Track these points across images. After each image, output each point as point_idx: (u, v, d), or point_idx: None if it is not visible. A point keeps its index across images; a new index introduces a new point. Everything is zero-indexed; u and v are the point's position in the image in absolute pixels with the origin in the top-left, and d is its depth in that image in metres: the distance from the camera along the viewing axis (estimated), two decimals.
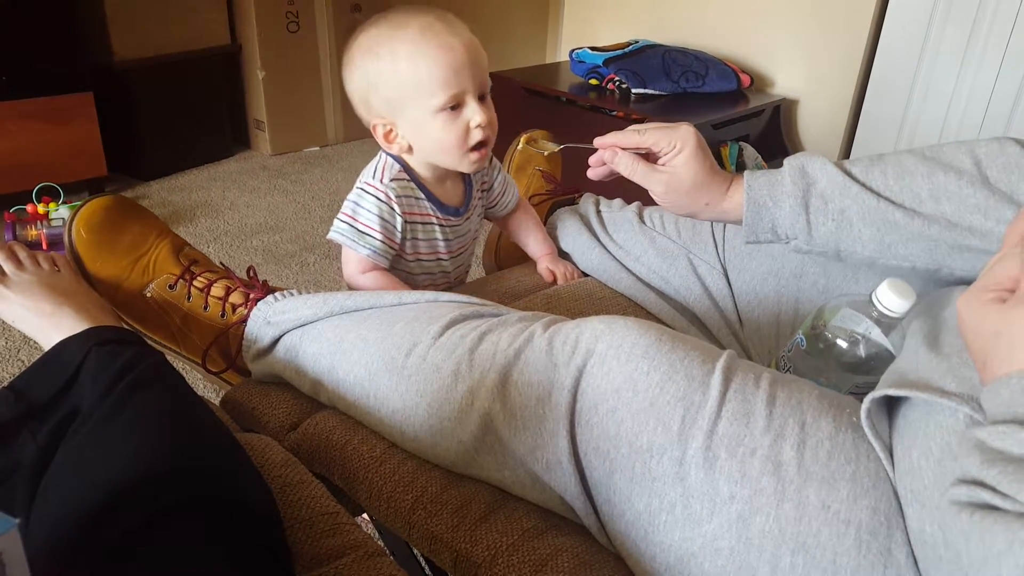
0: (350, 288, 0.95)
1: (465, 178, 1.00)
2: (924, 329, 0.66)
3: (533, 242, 1.11)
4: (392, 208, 0.91)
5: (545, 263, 1.09)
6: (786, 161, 0.81)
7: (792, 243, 0.81)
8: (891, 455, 0.56)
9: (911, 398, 0.57)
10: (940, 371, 0.56)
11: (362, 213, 0.91)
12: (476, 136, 0.88)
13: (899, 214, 0.74)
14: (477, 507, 0.67)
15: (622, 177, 0.87)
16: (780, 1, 2.24)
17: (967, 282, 0.78)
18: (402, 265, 0.98)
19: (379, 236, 0.91)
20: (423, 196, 0.94)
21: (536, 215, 1.13)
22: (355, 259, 0.93)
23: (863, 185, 0.76)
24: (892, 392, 0.57)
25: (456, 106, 0.86)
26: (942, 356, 0.59)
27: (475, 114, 0.86)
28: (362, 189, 0.92)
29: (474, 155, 0.90)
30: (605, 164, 0.88)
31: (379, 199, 0.91)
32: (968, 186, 0.71)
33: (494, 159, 1.05)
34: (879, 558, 0.52)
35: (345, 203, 0.93)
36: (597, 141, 0.88)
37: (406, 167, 0.94)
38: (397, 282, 0.94)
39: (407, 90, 0.86)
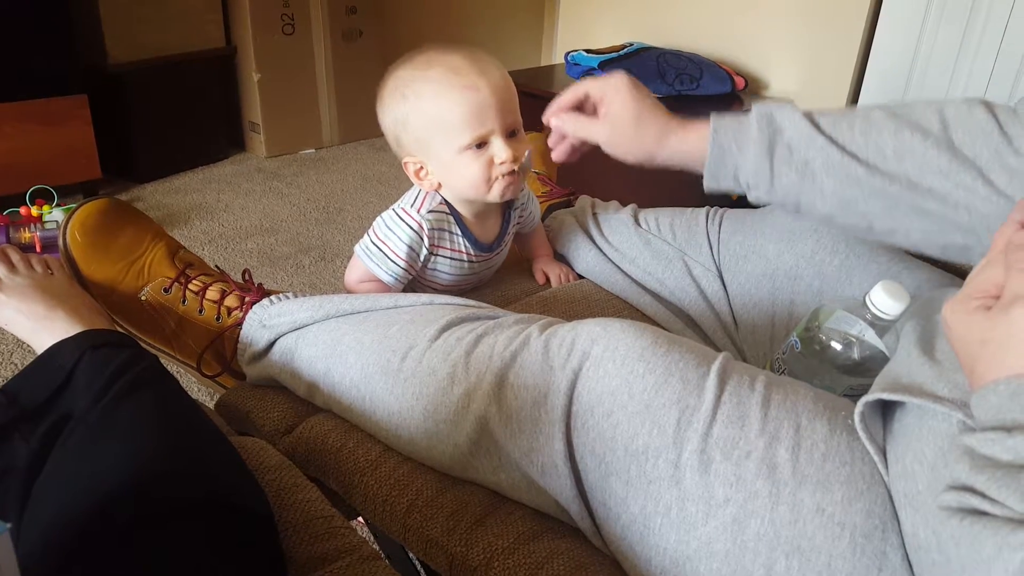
0: (348, 292, 0.95)
1: (504, 215, 0.99)
2: (917, 332, 0.66)
3: (532, 245, 1.11)
4: (422, 239, 0.91)
5: (540, 265, 1.09)
6: (754, 107, 0.79)
7: (752, 193, 0.79)
8: (885, 458, 0.56)
9: (903, 403, 0.58)
10: (933, 376, 0.57)
11: (392, 239, 0.91)
12: (500, 170, 0.87)
13: (861, 170, 0.72)
14: (473, 510, 0.67)
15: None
16: (774, 4, 2.25)
17: (923, 254, 0.78)
18: (416, 288, 0.99)
19: (403, 264, 0.91)
20: (459, 232, 0.94)
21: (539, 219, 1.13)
22: (362, 272, 0.93)
23: (829, 137, 0.74)
24: (885, 396, 0.57)
25: (481, 144, 0.86)
26: (935, 361, 0.59)
27: (500, 151, 0.85)
28: (399, 215, 0.91)
29: (500, 185, 0.88)
30: (564, 139, 0.88)
31: (412, 228, 0.90)
32: (932, 147, 0.70)
33: (531, 193, 1.05)
34: (874, 561, 0.52)
35: (377, 222, 0.93)
36: (544, 118, 0.88)
37: (447, 201, 0.93)
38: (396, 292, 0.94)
39: (433, 130, 0.86)
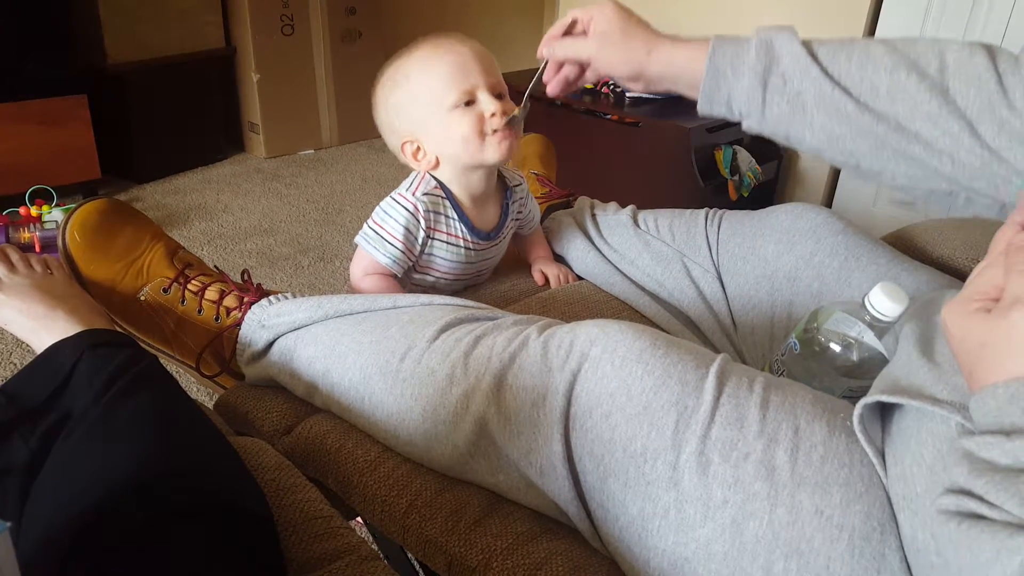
0: (352, 289, 0.95)
1: (503, 205, 1.01)
2: (917, 334, 0.66)
3: (532, 246, 1.11)
4: (418, 221, 0.92)
5: (539, 266, 1.09)
6: (757, 30, 0.78)
7: (745, 122, 0.78)
8: (884, 460, 0.56)
9: (902, 404, 0.58)
10: (932, 378, 0.57)
11: (389, 222, 0.92)
12: (495, 123, 0.89)
13: (851, 106, 0.72)
14: (471, 511, 0.67)
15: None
16: (773, 6, 2.25)
17: (910, 194, 0.77)
18: (413, 279, 1.00)
19: (400, 246, 0.92)
20: (455, 216, 0.95)
21: (539, 226, 1.14)
22: (366, 262, 0.93)
23: (823, 69, 0.73)
24: (884, 399, 0.57)
25: (470, 102, 0.89)
26: (934, 363, 0.59)
27: (488, 103, 0.88)
28: (393, 199, 0.94)
29: (494, 140, 0.89)
30: (559, 72, 0.89)
31: (407, 210, 0.92)
32: (926, 91, 0.69)
33: (529, 192, 1.07)
34: (872, 563, 0.52)
35: (376, 210, 0.95)
36: (537, 53, 0.89)
37: (442, 184, 0.95)
38: (399, 288, 0.95)
39: (423, 100, 0.89)
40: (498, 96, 0.90)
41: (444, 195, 0.95)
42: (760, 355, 0.92)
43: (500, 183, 1.01)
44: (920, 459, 0.52)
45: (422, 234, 0.93)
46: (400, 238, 0.92)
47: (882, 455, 0.57)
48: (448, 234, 0.96)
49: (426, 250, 0.96)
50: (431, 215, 0.93)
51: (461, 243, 0.97)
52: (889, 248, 0.91)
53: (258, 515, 0.57)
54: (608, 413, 0.60)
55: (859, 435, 0.57)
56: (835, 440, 0.57)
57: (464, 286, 1.05)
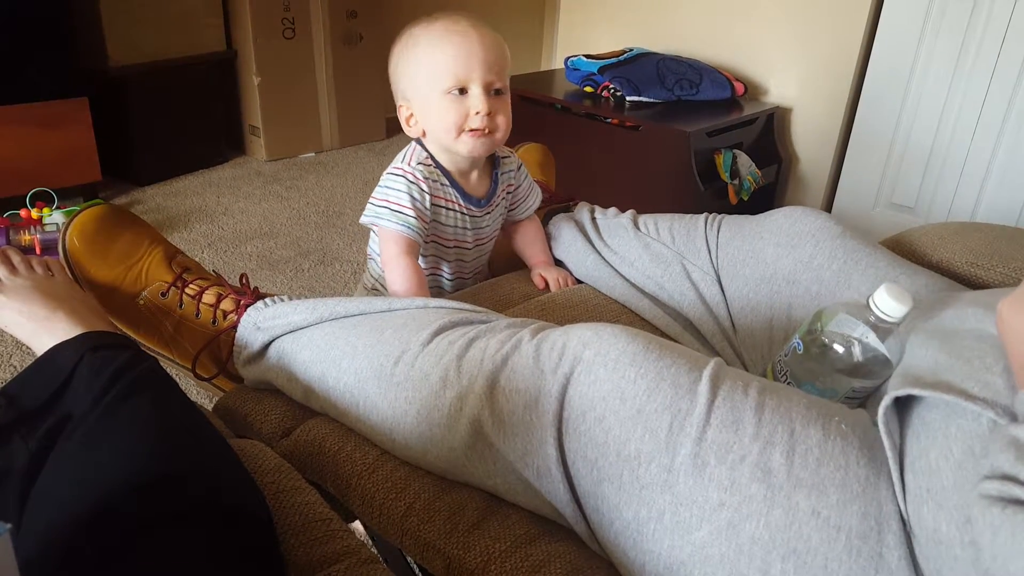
0: (384, 270, 0.96)
1: (492, 174, 1.05)
2: (935, 332, 0.66)
3: (533, 251, 1.12)
4: (421, 188, 0.95)
5: (539, 270, 1.09)
6: None
7: None
8: (900, 455, 0.56)
9: (926, 399, 0.58)
10: (962, 374, 0.57)
11: (393, 194, 0.95)
12: (474, 122, 0.93)
13: None
14: (470, 513, 0.67)
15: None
16: (773, 10, 2.26)
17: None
18: (423, 253, 1.02)
19: (412, 213, 0.94)
20: (448, 183, 0.99)
21: (541, 226, 1.15)
22: (393, 238, 0.94)
23: None
24: (918, 392, 0.57)
25: (463, 91, 0.92)
26: (964, 360, 0.59)
27: (477, 102, 0.92)
28: (391, 173, 0.97)
29: (467, 137, 0.94)
30: None
31: (408, 179, 0.95)
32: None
33: (523, 165, 1.11)
34: (870, 562, 0.52)
35: (376, 189, 0.97)
36: None
37: (432, 156, 0.99)
38: (423, 281, 0.94)
39: (423, 73, 0.94)
40: (495, 91, 0.93)
41: (434, 164, 0.98)
42: (759, 357, 0.92)
43: (488, 156, 1.04)
44: (948, 453, 0.53)
45: (428, 198, 0.96)
46: (409, 205, 0.94)
47: (898, 450, 0.57)
48: (445, 199, 0.99)
49: (431, 217, 0.98)
50: (429, 182, 0.96)
51: (456, 207, 1.00)
52: (888, 252, 0.91)
53: (258, 518, 0.57)
54: (601, 416, 0.60)
55: (881, 427, 0.57)
56: (830, 442, 0.57)
57: (470, 259, 1.07)
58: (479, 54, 0.91)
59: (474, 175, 1.02)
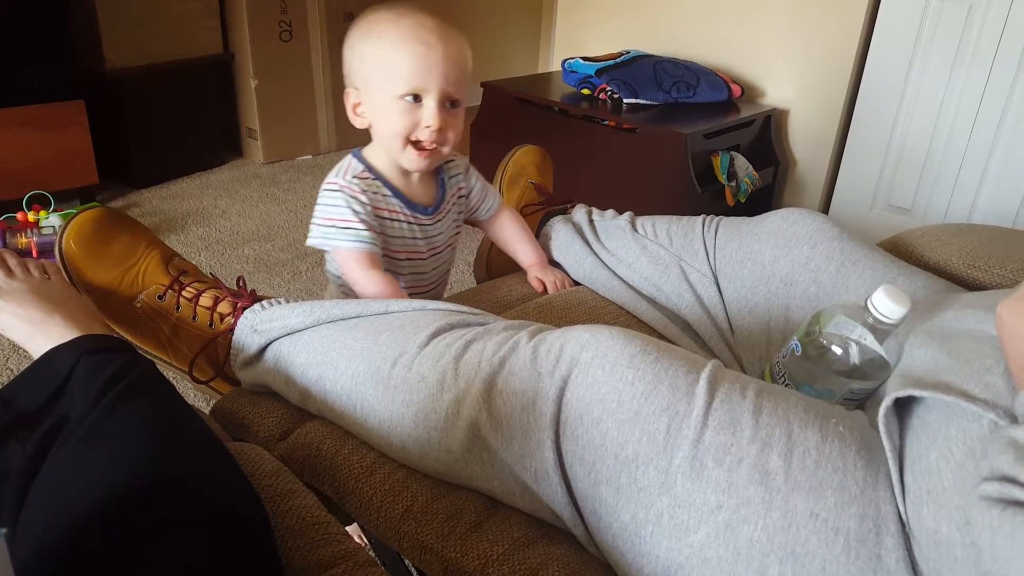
0: (354, 289, 0.94)
1: (438, 179, 1.00)
2: (934, 333, 0.66)
3: (522, 251, 1.11)
4: (359, 200, 0.91)
5: (535, 272, 1.09)
6: None
7: None
8: (899, 456, 0.56)
9: (926, 400, 0.58)
10: (963, 376, 0.57)
11: (334, 211, 0.91)
12: (423, 135, 0.89)
13: None
14: (468, 516, 0.67)
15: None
16: (770, 12, 2.26)
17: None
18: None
19: (361, 226, 0.91)
20: (389, 193, 0.95)
21: (524, 223, 1.13)
22: (351, 256, 0.91)
23: None
24: (918, 393, 0.57)
25: (418, 99, 0.88)
26: (964, 361, 0.59)
27: (429, 115, 0.88)
28: (328, 189, 0.93)
29: (413, 152, 0.91)
30: None
31: (345, 194, 0.91)
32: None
33: (471, 167, 1.06)
34: (868, 564, 0.52)
35: (316, 207, 0.93)
36: None
37: (370, 167, 0.95)
38: (397, 286, 0.93)
39: (380, 72, 0.89)
40: (450, 103, 0.90)
41: (373, 176, 0.94)
42: (757, 359, 0.92)
43: None
44: (949, 454, 0.53)
45: (370, 209, 0.92)
46: (355, 219, 0.90)
47: (897, 451, 0.57)
48: (389, 211, 0.95)
49: (375, 230, 0.94)
50: (368, 194, 0.92)
51: (402, 218, 0.96)
52: (885, 253, 0.92)
53: (255, 521, 0.57)
54: (599, 419, 0.60)
55: (881, 427, 0.57)
56: (828, 445, 0.57)
57: (428, 270, 1.02)
58: (441, 65, 0.87)
59: (415, 178, 0.97)
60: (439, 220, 1.00)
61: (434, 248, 1.01)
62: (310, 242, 0.94)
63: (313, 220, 0.93)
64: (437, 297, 1.07)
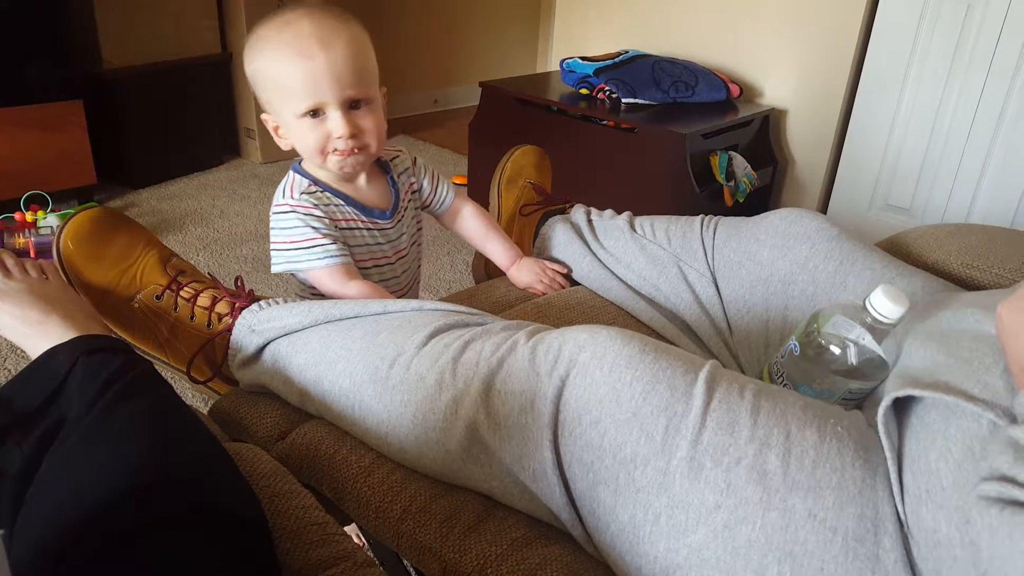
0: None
1: (388, 179, 0.99)
2: (933, 333, 0.66)
3: (494, 251, 1.09)
4: (315, 215, 0.90)
5: (522, 276, 1.08)
6: None
7: None
8: (898, 456, 0.56)
9: (925, 400, 0.58)
10: (962, 375, 0.57)
11: (293, 232, 0.90)
12: (337, 145, 0.87)
13: None
14: (466, 517, 0.67)
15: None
16: (769, 12, 2.26)
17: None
18: None
19: (326, 240, 0.89)
20: (341, 201, 0.93)
21: (490, 217, 1.11)
22: (326, 275, 0.90)
23: None
24: (918, 393, 0.57)
25: (318, 113, 0.86)
26: (963, 360, 0.59)
27: (336, 125, 0.86)
28: (279, 212, 0.91)
29: (338, 158, 0.88)
30: None
31: (298, 213, 0.90)
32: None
33: (418, 160, 1.04)
34: (867, 564, 0.52)
35: (272, 232, 0.92)
36: None
37: (315, 180, 0.93)
38: (380, 290, 0.93)
39: (275, 93, 0.87)
40: (354, 105, 0.87)
41: (320, 188, 0.93)
42: (755, 359, 0.92)
43: (376, 160, 0.98)
44: (947, 454, 0.53)
45: (328, 220, 0.90)
46: (316, 235, 0.89)
47: (896, 451, 0.57)
48: (345, 220, 0.93)
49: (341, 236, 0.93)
50: (321, 206, 0.91)
51: (359, 225, 0.94)
52: (883, 253, 0.92)
53: (254, 521, 0.57)
54: (597, 419, 0.60)
55: (880, 427, 0.57)
56: (826, 445, 0.57)
57: (399, 272, 1.01)
58: (327, 74, 0.83)
59: (362, 182, 0.95)
60: (399, 222, 0.99)
61: (400, 251, 1.00)
62: (276, 269, 0.92)
63: (273, 247, 0.91)
64: (413, 298, 1.06)
